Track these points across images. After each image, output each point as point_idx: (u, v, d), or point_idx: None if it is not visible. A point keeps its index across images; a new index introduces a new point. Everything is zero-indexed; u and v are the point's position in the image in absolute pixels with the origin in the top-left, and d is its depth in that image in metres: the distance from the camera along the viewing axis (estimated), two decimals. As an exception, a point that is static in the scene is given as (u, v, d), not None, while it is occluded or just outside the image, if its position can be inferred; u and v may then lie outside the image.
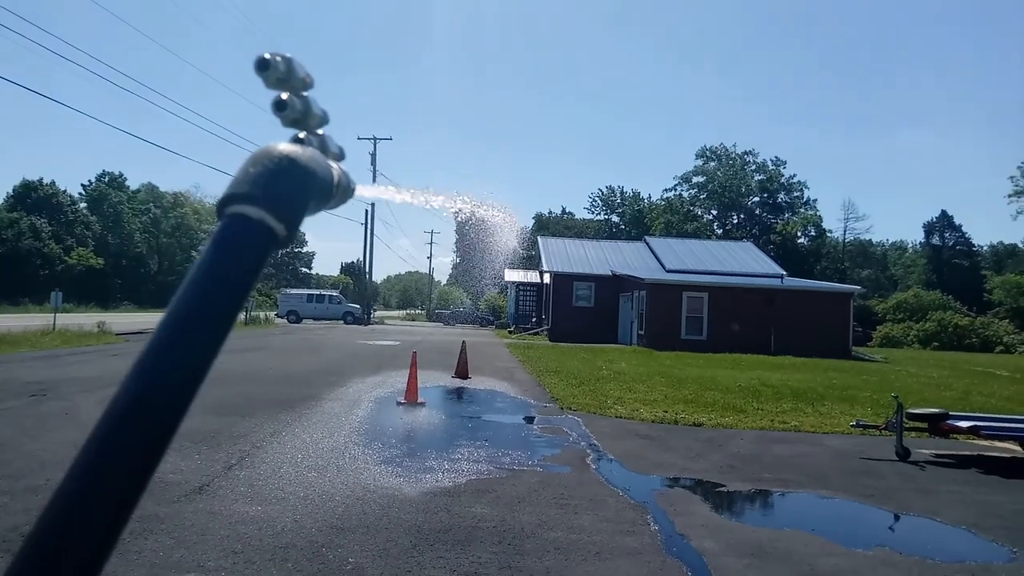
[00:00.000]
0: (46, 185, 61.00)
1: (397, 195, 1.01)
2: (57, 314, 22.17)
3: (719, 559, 4.30)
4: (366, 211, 48.58)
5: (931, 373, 20.08)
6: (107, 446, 0.42)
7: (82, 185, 67.67)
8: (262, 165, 0.52)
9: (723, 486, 6.21)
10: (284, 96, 0.62)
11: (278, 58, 0.61)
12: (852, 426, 8.69)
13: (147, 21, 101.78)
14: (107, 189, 66.54)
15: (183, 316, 0.46)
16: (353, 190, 0.67)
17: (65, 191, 63.08)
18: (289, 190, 0.52)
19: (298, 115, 0.63)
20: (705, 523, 5.08)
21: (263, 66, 0.60)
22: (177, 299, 0.47)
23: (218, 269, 0.48)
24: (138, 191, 70.93)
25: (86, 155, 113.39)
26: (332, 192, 0.59)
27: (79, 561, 0.40)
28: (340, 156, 0.68)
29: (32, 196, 59.40)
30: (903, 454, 7.58)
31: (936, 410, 8.13)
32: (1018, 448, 8.30)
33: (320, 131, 0.66)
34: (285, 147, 0.54)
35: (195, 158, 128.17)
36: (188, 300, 0.47)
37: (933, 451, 8.16)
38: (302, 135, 0.64)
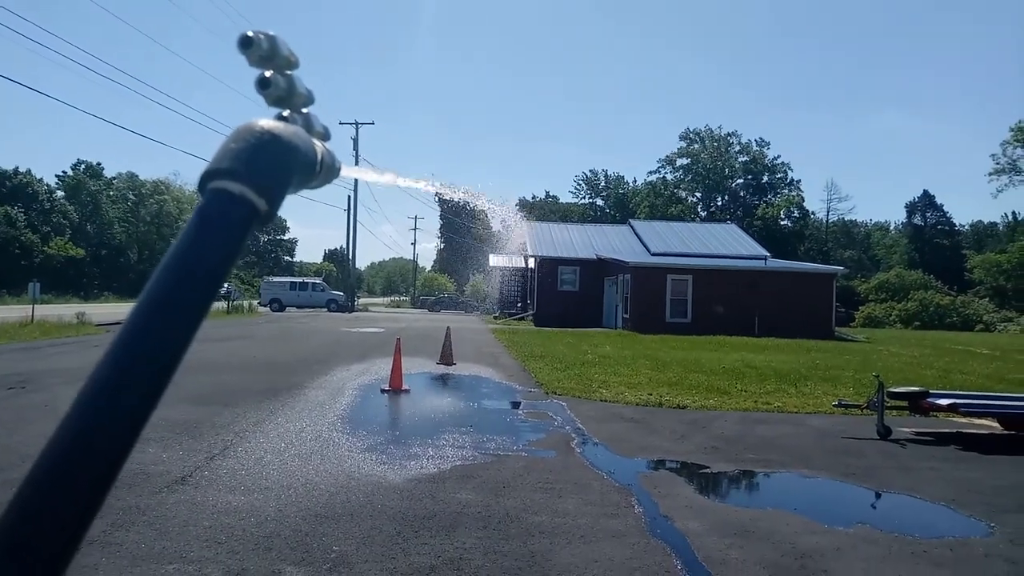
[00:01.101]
0: (21, 174, 59.83)
1: (382, 177, 1.00)
2: (35, 305, 21.89)
3: (702, 539, 4.33)
4: (349, 197, 48.34)
5: (912, 352, 20.36)
6: (78, 432, 0.41)
7: (56, 176, 66.56)
8: (244, 140, 0.52)
9: (707, 467, 6.26)
10: (268, 74, 0.61)
11: (261, 36, 0.60)
12: (834, 406, 8.79)
13: (124, 7, 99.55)
14: (84, 178, 65.37)
15: (164, 291, 0.45)
16: (338, 169, 0.67)
17: (41, 180, 62.01)
18: (271, 165, 0.52)
19: (282, 93, 0.63)
20: (689, 504, 5.11)
21: (246, 44, 0.59)
22: (158, 274, 0.46)
23: (199, 244, 0.47)
24: (114, 179, 69.78)
25: (61, 144, 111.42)
26: (316, 169, 0.59)
27: (48, 553, 0.39)
28: (325, 135, 0.67)
29: (7, 185, 58.27)
30: (884, 433, 7.67)
31: (916, 389, 8.24)
32: (996, 425, 8.44)
33: (305, 110, 0.66)
34: (267, 123, 0.54)
35: (175, 145, 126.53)
36: (169, 275, 0.46)
37: (914, 429, 8.27)
38: (286, 113, 0.64)
